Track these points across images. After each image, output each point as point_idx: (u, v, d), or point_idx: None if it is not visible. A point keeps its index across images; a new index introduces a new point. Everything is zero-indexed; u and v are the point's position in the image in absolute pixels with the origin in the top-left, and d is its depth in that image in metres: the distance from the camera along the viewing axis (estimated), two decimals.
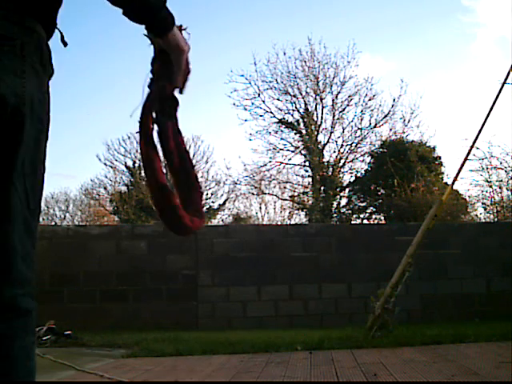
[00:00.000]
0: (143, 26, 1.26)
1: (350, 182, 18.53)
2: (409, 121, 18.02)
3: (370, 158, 18.14)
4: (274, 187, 19.32)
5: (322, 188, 17.91)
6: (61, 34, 1.27)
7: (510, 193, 13.44)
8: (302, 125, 18.54)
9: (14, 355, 1.06)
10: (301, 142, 18.62)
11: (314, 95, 18.48)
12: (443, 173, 17.23)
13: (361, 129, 18.34)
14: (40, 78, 1.17)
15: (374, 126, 18.21)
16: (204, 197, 20.74)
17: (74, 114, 29.11)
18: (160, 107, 1.29)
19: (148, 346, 4.86)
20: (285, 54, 18.69)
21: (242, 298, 7.07)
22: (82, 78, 29.74)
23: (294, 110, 18.67)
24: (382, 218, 17.14)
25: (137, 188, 18.49)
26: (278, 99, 18.65)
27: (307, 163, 18.37)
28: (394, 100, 18.19)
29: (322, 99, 18.43)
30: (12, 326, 1.07)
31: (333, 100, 18.36)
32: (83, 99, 27.81)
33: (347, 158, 18.64)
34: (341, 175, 18.63)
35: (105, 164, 19.95)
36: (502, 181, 13.25)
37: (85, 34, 25.03)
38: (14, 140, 1.09)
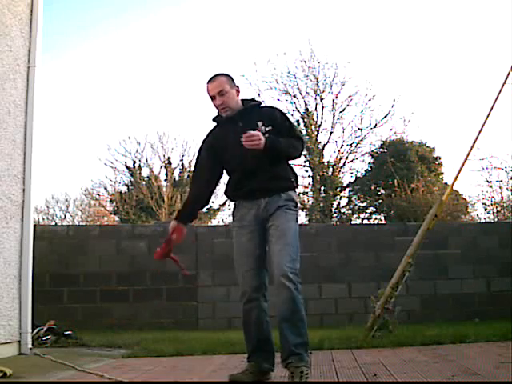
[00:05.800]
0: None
1: (349, 182, 18.52)
2: (409, 121, 18.01)
3: (370, 157, 18.15)
4: None
5: (322, 188, 17.89)
6: None
7: (510, 193, 13.44)
8: (302, 125, 18.50)
9: None
10: None
11: (314, 95, 18.44)
12: (443, 173, 17.25)
13: (361, 129, 18.31)
14: None
15: (374, 126, 18.18)
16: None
17: (75, 114, 29.15)
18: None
19: (148, 346, 4.85)
20: (285, 53, 18.67)
21: None
22: (80, 78, 29.78)
23: (294, 110, 18.62)
24: (382, 217, 17.15)
25: (137, 188, 18.46)
26: (278, 99, 18.63)
27: (307, 163, 18.35)
28: (394, 100, 18.19)
29: (322, 99, 18.40)
30: None
31: (333, 100, 18.32)
32: (83, 100, 27.86)
33: (347, 157, 18.61)
34: (341, 175, 18.61)
35: (105, 164, 19.94)
36: (502, 181, 13.26)
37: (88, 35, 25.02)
38: None
